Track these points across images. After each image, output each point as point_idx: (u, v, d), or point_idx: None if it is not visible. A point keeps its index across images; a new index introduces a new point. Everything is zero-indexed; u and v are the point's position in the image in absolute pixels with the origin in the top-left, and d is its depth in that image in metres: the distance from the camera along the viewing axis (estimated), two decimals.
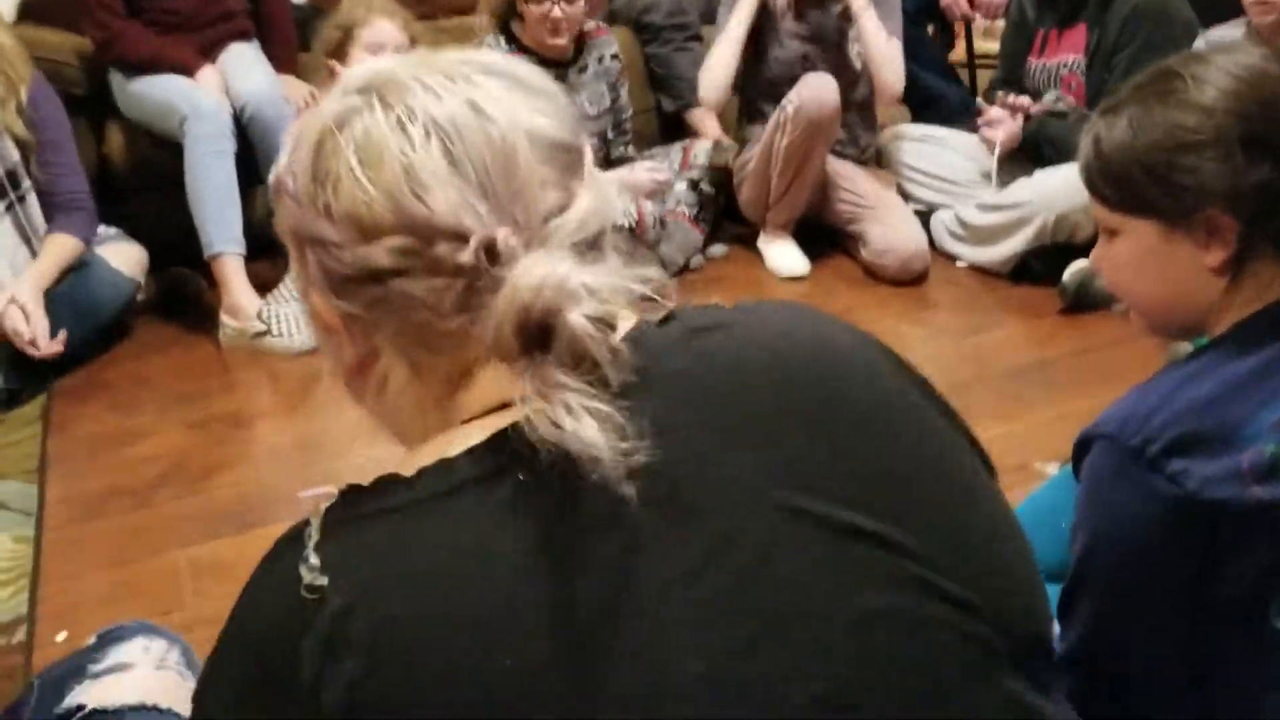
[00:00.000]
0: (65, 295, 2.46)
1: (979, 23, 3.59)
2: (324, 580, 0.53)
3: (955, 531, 0.58)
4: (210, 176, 2.57)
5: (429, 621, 0.52)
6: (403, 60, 0.63)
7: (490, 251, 0.56)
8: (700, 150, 2.94)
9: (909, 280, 2.67)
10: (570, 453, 0.53)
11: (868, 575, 0.55)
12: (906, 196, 2.90)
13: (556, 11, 2.64)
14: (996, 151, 2.68)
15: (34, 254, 2.47)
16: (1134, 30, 2.53)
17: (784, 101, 2.64)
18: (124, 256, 2.58)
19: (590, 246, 0.59)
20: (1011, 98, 2.72)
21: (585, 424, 0.52)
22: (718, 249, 2.93)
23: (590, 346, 0.54)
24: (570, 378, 0.54)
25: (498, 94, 0.60)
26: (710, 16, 3.09)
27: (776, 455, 0.56)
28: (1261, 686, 0.85)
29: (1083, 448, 0.91)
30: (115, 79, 2.74)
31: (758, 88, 2.86)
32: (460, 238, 0.57)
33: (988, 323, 2.50)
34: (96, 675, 0.99)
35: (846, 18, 2.76)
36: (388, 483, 0.57)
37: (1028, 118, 2.67)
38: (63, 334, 2.34)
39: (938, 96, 3.28)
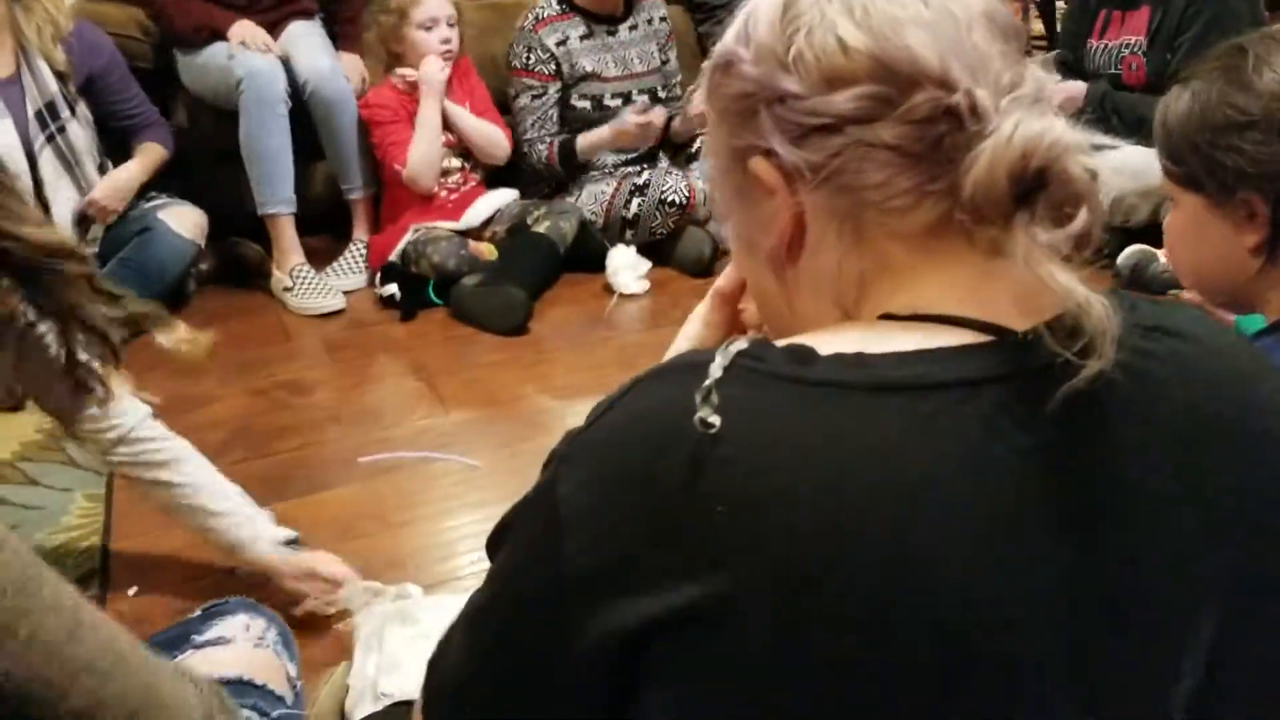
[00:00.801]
0: (129, 259, 2.56)
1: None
2: (717, 420, 0.52)
3: None
4: (264, 137, 2.67)
5: (814, 503, 0.51)
6: None
7: (973, 105, 0.56)
8: None
9: None
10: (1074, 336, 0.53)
11: None
12: None
13: None
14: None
15: (76, 183, 2.55)
16: (1198, 11, 2.51)
17: None
18: (184, 220, 2.66)
19: None
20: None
21: (1088, 295, 0.53)
22: None
23: (1089, 193, 0.54)
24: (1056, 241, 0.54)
25: None
26: None
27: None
28: None
29: None
30: (178, 55, 2.82)
31: None
32: (944, 86, 0.57)
33: None
34: (199, 645, 1.04)
35: None
36: (803, 352, 0.55)
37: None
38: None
39: None
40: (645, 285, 2.71)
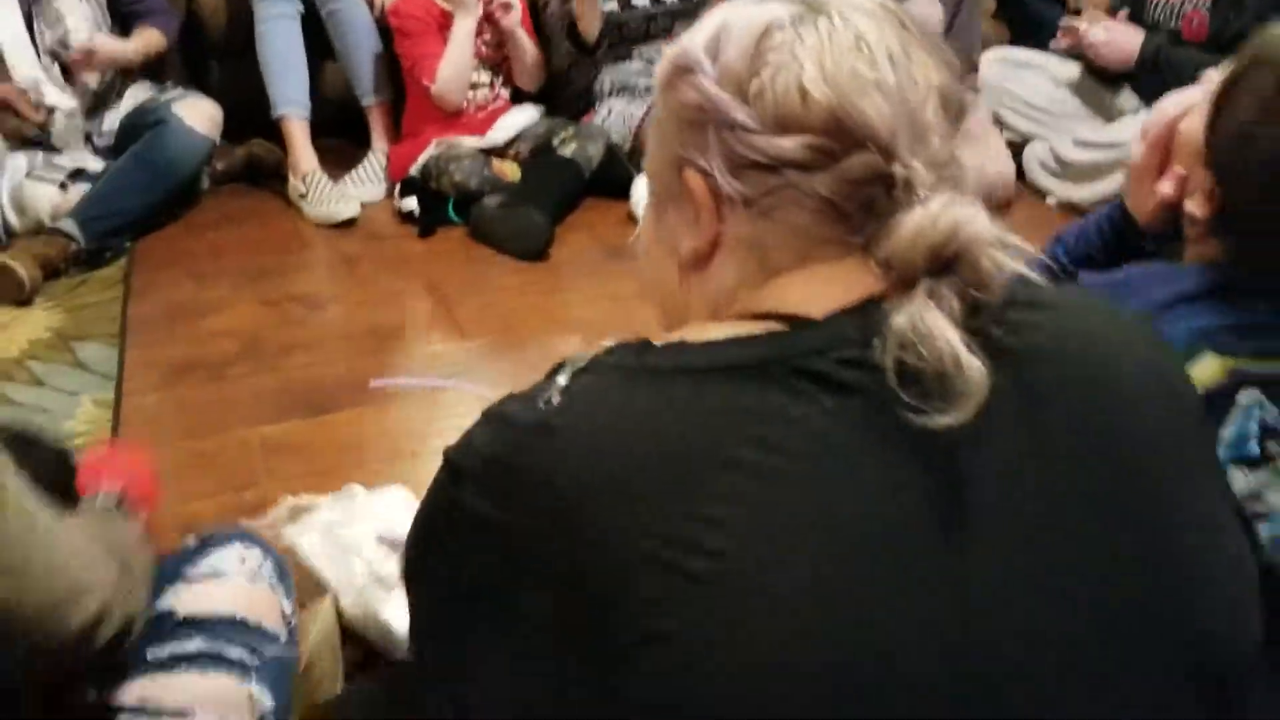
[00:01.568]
0: (141, 153, 2.50)
1: None
2: (557, 399, 0.57)
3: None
4: (275, 41, 2.64)
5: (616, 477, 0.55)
6: None
7: (908, 179, 0.60)
8: None
9: (989, 209, 2.58)
10: (909, 363, 0.55)
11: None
12: (1001, 124, 2.80)
13: None
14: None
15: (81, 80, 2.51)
16: None
17: None
18: (198, 113, 2.59)
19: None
20: (1067, 20, 2.65)
21: (969, 360, 0.55)
22: None
23: (991, 281, 0.58)
24: (954, 297, 0.57)
25: (914, 39, 0.64)
26: None
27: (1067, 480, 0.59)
28: None
29: None
30: None
31: None
32: (886, 152, 0.60)
33: None
34: (191, 580, 1.02)
35: None
36: (643, 345, 0.60)
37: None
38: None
39: (1039, 19, 3.13)
40: None
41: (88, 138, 2.56)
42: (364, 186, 2.75)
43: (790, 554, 0.53)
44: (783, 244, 0.62)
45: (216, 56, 2.78)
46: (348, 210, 2.62)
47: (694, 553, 0.52)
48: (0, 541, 0.76)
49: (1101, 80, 2.70)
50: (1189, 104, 1.03)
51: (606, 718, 0.53)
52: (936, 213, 0.58)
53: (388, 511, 1.40)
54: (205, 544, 1.07)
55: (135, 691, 0.92)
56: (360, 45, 2.72)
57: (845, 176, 0.60)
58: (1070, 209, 2.58)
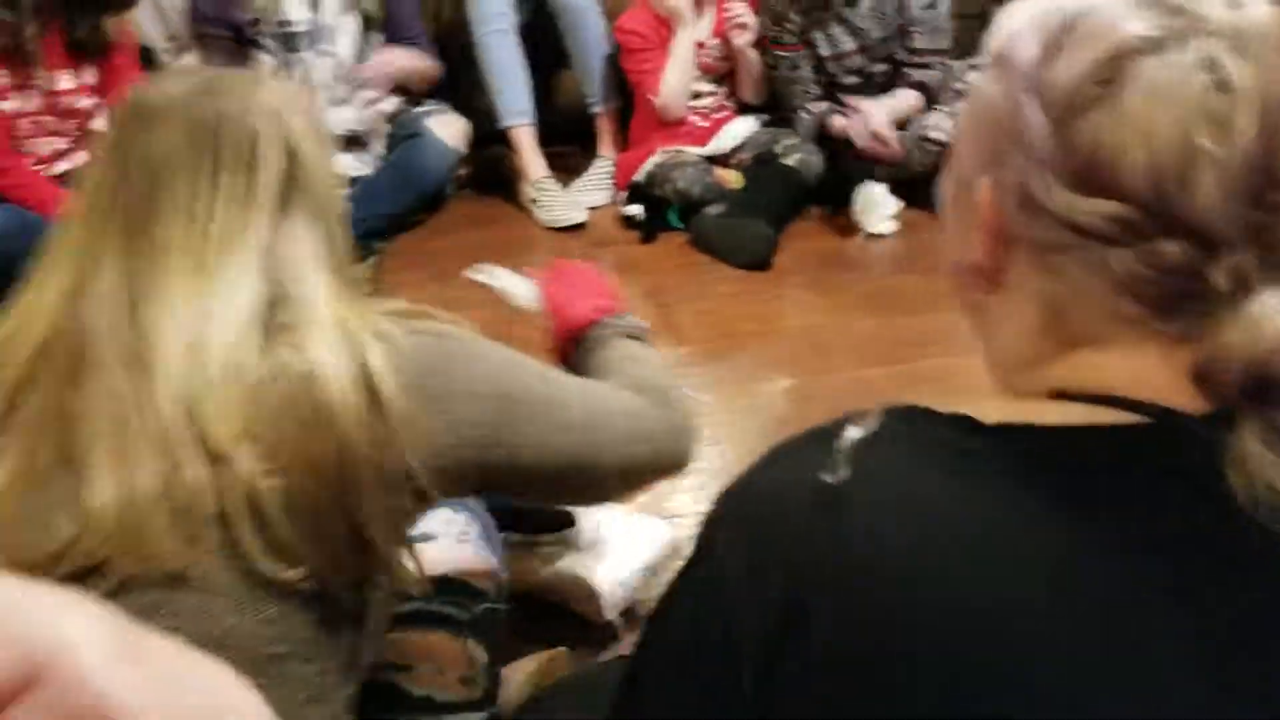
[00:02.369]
0: (396, 162, 2.71)
1: None
2: (844, 475, 0.50)
3: None
4: (495, 53, 2.77)
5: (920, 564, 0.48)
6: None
7: (1231, 279, 0.48)
8: None
9: None
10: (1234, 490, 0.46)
11: None
12: None
13: None
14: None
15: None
16: None
17: None
18: (449, 128, 2.78)
19: None
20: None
21: None
22: None
23: None
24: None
25: None
26: None
27: None
28: None
29: None
30: None
31: None
32: (1202, 242, 0.49)
33: None
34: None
35: None
36: (956, 418, 0.51)
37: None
38: None
39: None
40: (894, 226, 2.63)
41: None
42: (591, 193, 2.87)
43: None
44: (1079, 309, 0.53)
45: (461, 68, 2.95)
46: (576, 215, 2.74)
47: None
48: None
49: None
50: None
51: None
52: (1257, 318, 0.46)
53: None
54: None
55: None
56: (590, 46, 2.83)
57: (1151, 262, 0.50)
58: None
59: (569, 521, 1.47)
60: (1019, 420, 0.50)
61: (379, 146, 2.77)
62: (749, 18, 2.68)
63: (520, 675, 1.24)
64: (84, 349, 0.74)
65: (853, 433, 0.51)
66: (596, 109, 2.91)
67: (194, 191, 0.77)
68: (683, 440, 0.94)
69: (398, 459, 0.75)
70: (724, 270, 2.47)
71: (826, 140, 2.71)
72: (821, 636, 0.48)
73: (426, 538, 1.11)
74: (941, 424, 0.51)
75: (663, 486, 1.75)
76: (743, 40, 2.70)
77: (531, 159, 2.81)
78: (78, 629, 0.27)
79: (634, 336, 1.09)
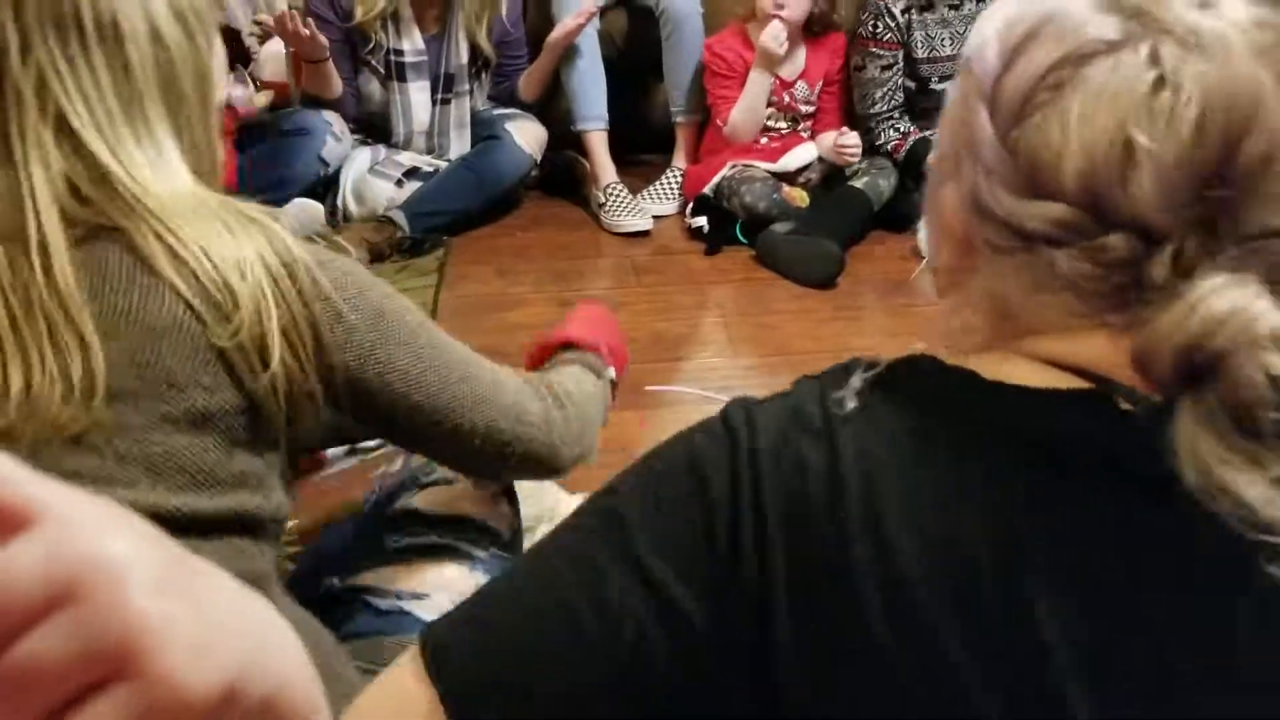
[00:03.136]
0: (472, 163, 2.77)
1: None
2: (852, 405, 0.54)
3: None
4: (573, 58, 2.81)
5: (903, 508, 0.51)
6: None
7: (1175, 261, 0.49)
8: None
9: None
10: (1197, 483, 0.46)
11: None
12: None
13: None
14: None
15: (432, 146, 2.80)
16: None
17: None
18: (528, 134, 2.84)
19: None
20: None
21: (1240, 476, 0.45)
22: None
23: (1255, 412, 0.45)
24: (1225, 429, 0.45)
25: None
26: None
27: None
28: None
29: None
30: None
31: None
32: (1143, 235, 0.49)
33: None
34: (424, 484, 1.13)
35: None
36: (964, 375, 0.54)
37: None
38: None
39: None
40: None
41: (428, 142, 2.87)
42: (660, 203, 2.89)
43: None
44: (1026, 308, 0.55)
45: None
46: (642, 223, 2.76)
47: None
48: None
49: None
50: None
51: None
52: (1190, 304, 0.46)
53: None
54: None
55: (379, 576, 1.03)
56: (684, 58, 2.85)
57: (1096, 259, 0.51)
58: None
59: None
60: (1012, 380, 0.53)
61: (462, 143, 2.83)
62: (857, 153, 2.68)
63: None
64: None
65: (866, 372, 0.56)
66: (679, 119, 2.94)
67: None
68: (556, 444, 0.97)
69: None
70: (785, 287, 2.48)
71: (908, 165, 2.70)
72: (781, 559, 0.52)
73: (446, 481, 1.14)
74: (943, 375, 0.55)
75: None
76: (840, 162, 2.72)
77: (603, 164, 2.85)
78: (124, 549, 0.27)
79: (595, 372, 1.12)
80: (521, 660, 0.54)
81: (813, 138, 2.85)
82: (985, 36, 0.56)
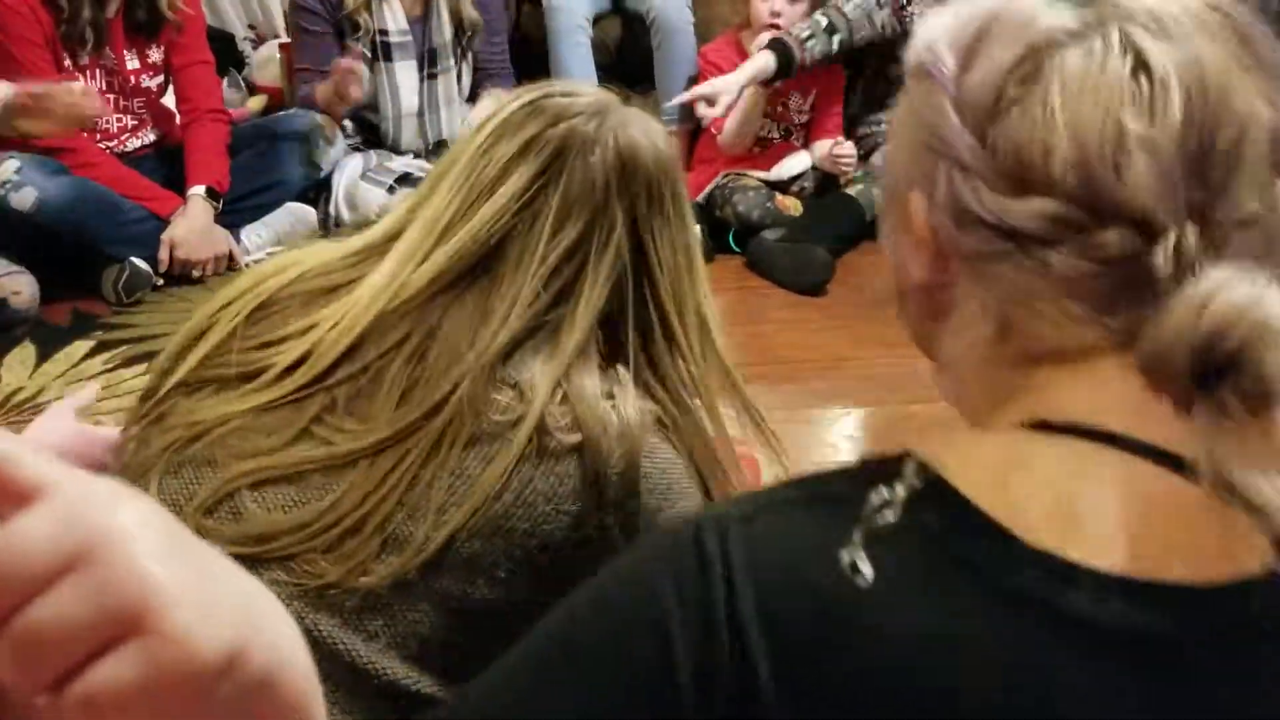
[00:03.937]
0: None
1: None
2: (869, 572, 0.44)
3: None
4: (567, 66, 2.82)
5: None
6: None
7: (1177, 253, 0.47)
8: None
9: None
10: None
11: None
12: None
13: None
14: None
15: (426, 128, 2.78)
16: None
17: None
18: None
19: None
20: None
21: (1258, 477, 0.42)
22: None
23: (1275, 408, 0.43)
24: (1242, 428, 0.43)
25: (1251, 60, 0.49)
26: None
27: None
28: None
29: None
30: None
31: None
32: (1140, 228, 0.48)
33: None
34: None
35: None
36: (989, 529, 0.46)
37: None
38: None
39: None
40: None
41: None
42: None
43: None
44: (1023, 316, 0.51)
45: (539, 69, 3.00)
46: None
47: None
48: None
49: None
50: None
51: None
52: (1201, 299, 0.44)
53: None
54: None
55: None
56: (675, 66, 2.86)
57: (1092, 256, 0.48)
58: None
59: None
60: (1055, 548, 0.44)
61: (453, 122, 2.82)
62: (852, 163, 2.68)
63: None
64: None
65: (878, 519, 0.45)
66: (671, 128, 2.93)
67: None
68: None
69: None
70: (778, 296, 2.48)
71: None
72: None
73: None
74: (974, 537, 0.45)
75: None
76: (835, 171, 2.72)
77: None
78: (131, 517, 0.28)
79: None
80: None
81: (806, 146, 2.85)
82: (931, 39, 0.54)
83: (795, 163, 2.78)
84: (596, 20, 2.92)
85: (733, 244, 2.66)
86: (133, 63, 2.44)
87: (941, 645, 0.44)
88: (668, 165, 0.90)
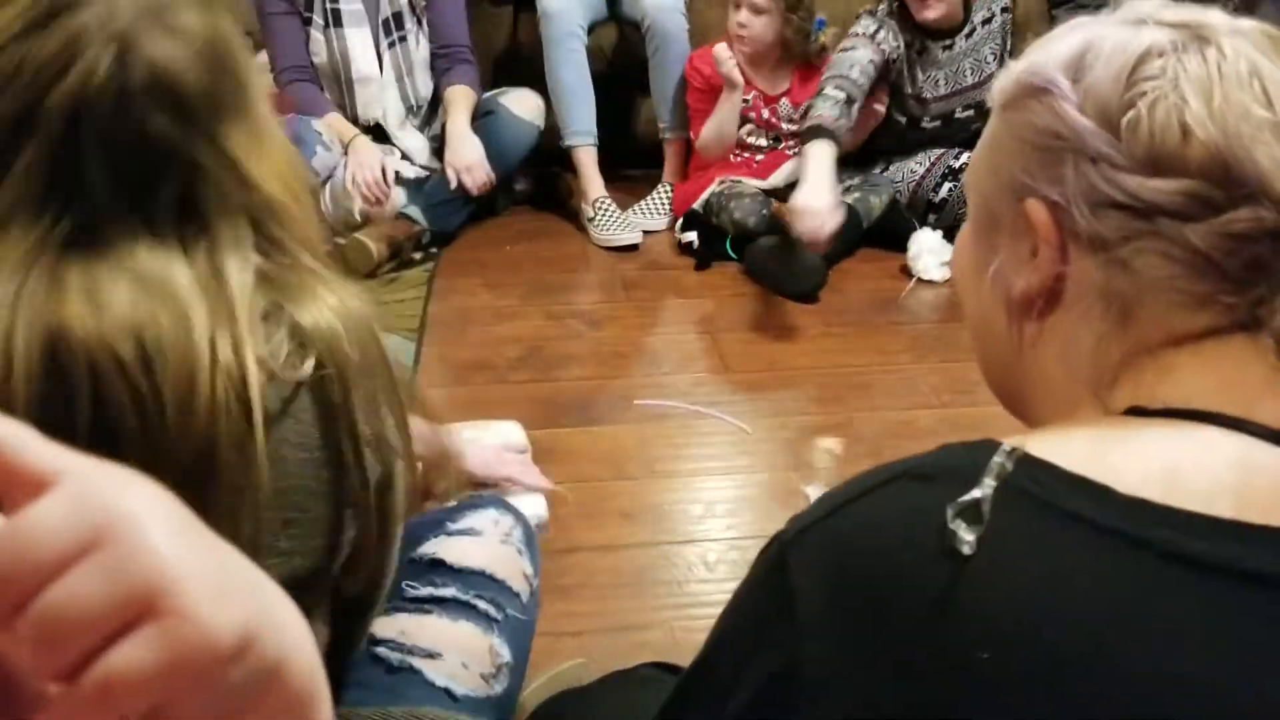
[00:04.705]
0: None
1: None
2: (972, 540, 0.47)
3: None
4: (561, 74, 2.81)
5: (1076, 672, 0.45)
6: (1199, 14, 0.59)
7: None
8: None
9: None
10: None
11: None
12: None
13: None
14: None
15: (403, 92, 2.77)
16: None
17: None
18: (524, 104, 2.85)
19: None
20: None
21: None
22: None
23: None
24: None
25: None
26: None
27: None
28: None
29: None
30: None
31: None
32: (1275, 204, 0.52)
33: None
34: (451, 533, 1.11)
35: None
36: (1096, 489, 0.49)
37: None
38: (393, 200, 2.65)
39: None
40: (947, 273, 2.62)
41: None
42: (649, 218, 2.89)
43: None
44: (1146, 301, 0.55)
45: (536, 82, 3.00)
46: (630, 237, 2.76)
47: None
48: None
49: None
50: None
51: None
52: None
53: None
54: (464, 505, 1.16)
55: (396, 625, 1.01)
56: (670, 73, 2.85)
57: (1227, 230, 0.52)
58: None
59: None
60: (1158, 499, 0.47)
61: (427, 82, 2.81)
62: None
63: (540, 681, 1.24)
64: None
65: (974, 492, 0.48)
66: (666, 135, 2.94)
67: None
68: None
69: None
70: (775, 303, 2.48)
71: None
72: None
73: (472, 533, 1.12)
74: (1074, 493, 0.48)
75: (694, 510, 1.76)
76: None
77: (591, 178, 2.84)
78: (142, 501, 0.29)
79: None
80: None
81: (798, 154, 2.85)
82: (1029, 69, 0.59)
83: (791, 169, 2.78)
84: (592, 27, 2.92)
85: (730, 251, 2.67)
86: None
87: (1050, 589, 0.46)
88: None
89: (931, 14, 2.57)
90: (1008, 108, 0.61)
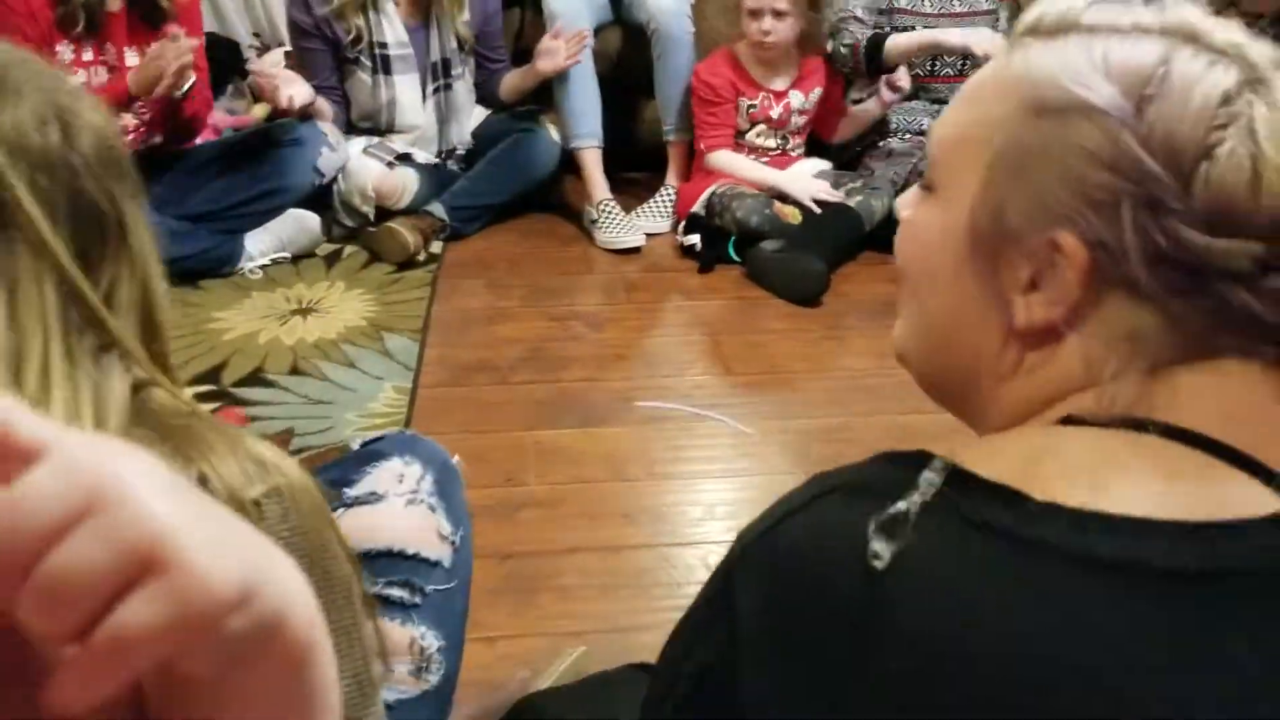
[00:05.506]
0: (507, 156, 2.86)
1: None
2: (887, 555, 0.46)
3: None
4: (566, 76, 2.83)
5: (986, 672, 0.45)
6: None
7: None
8: None
9: None
10: None
11: None
12: None
13: None
14: None
15: (446, 137, 2.87)
16: None
17: None
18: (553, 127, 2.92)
19: None
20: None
21: None
22: None
23: None
24: None
25: None
26: None
27: None
28: None
29: None
30: None
31: None
32: None
33: None
34: (349, 504, 0.99)
35: None
36: (1004, 492, 0.48)
37: None
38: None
39: None
40: None
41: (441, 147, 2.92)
42: (652, 220, 2.90)
43: None
44: (1167, 342, 0.51)
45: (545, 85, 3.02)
46: (633, 240, 2.77)
47: None
48: None
49: None
50: None
51: None
52: None
53: None
54: (364, 455, 1.04)
55: None
56: (675, 76, 2.87)
57: (1273, 294, 0.50)
58: None
59: None
60: (1078, 504, 0.46)
61: (461, 131, 2.89)
62: (905, 81, 2.74)
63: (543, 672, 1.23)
64: None
65: (899, 504, 0.48)
66: (670, 138, 2.95)
67: None
68: None
69: None
70: (777, 306, 2.49)
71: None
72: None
73: (372, 499, 1.00)
74: (988, 499, 0.48)
75: (694, 511, 1.77)
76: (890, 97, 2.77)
77: (596, 181, 2.86)
78: (133, 467, 0.29)
79: None
80: None
81: (805, 155, 2.86)
82: (1077, 75, 0.53)
83: (796, 170, 2.79)
84: (597, 31, 2.93)
85: (732, 253, 2.67)
86: (134, 59, 2.42)
87: (959, 602, 0.46)
88: None
89: None
90: (1045, 115, 0.53)
